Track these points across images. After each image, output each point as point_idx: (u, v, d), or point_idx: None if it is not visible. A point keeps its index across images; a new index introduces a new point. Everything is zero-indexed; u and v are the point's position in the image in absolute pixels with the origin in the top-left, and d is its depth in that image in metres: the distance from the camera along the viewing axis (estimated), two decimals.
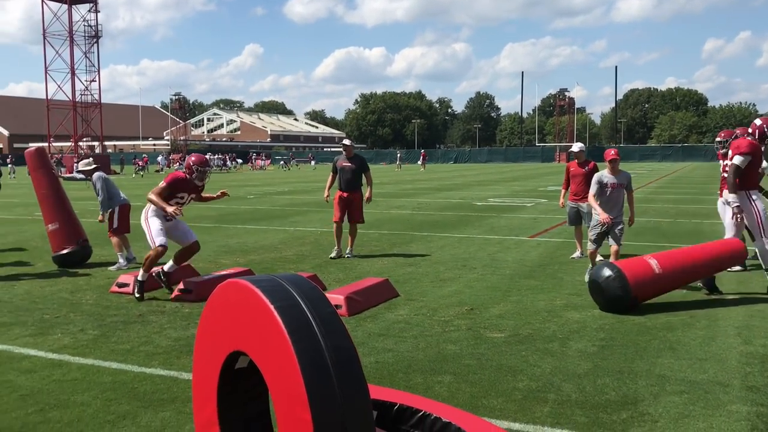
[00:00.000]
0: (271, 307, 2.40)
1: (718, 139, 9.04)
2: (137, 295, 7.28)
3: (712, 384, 4.63)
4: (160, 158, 63.34)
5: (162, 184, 7.43)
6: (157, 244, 7.31)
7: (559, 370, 4.93)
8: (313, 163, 72.50)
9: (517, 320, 6.36)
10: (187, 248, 7.60)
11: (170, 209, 7.17)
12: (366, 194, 10.15)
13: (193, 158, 7.57)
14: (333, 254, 10.02)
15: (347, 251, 10.05)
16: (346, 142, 10.33)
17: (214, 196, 7.91)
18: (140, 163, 54.67)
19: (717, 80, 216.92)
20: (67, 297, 7.58)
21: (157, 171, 56.91)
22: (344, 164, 10.07)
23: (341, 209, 10.01)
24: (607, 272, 6.65)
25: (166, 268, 7.52)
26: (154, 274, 7.47)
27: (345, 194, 10.02)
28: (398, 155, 66.26)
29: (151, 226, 7.46)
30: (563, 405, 4.27)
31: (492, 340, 5.71)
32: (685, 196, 22.94)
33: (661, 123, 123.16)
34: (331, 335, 2.40)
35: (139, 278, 7.35)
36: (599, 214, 7.74)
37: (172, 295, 7.40)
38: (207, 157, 7.72)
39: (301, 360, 2.29)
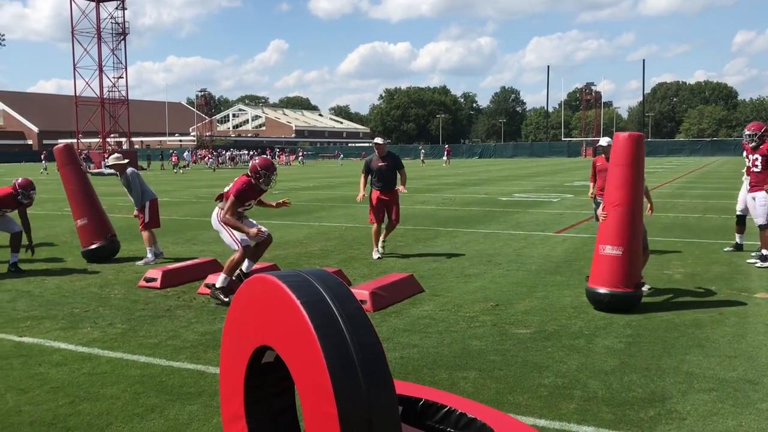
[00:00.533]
0: (298, 302, 2.42)
1: (747, 132, 8.89)
2: (226, 299, 6.77)
3: (742, 382, 4.56)
4: (186, 154, 63.91)
5: (231, 197, 6.93)
6: (242, 245, 6.93)
7: (585, 367, 4.89)
8: (341, 158, 72.45)
9: (542, 316, 6.32)
10: (261, 243, 7.22)
11: (253, 231, 6.87)
12: (400, 188, 9.82)
13: (258, 160, 7.13)
14: (376, 255, 9.64)
15: (380, 245, 9.76)
16: (379, 140, 9.86)
17: (273, 204, 7.64)
18: (174, 159, 54.88)
19: (748, 73, 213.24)
20: (96, 291, 7.70)
21: (185, 167, 57.41)
22: (379, 164, 9.67)
23: (379, 210, 9.68)
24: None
25: (244, 268, 7.18)
26: (234, 277, 7.08)
27: (382, 195, 9.68)
28: (421, 150, 66.18)
29: (232, 229, 7.02)
30: (589, 402, 4.24)
31: (517, 336, 5.68)
32: (714, 191, 22.59)
33: (689, 117, 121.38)
34: (357, 331, 2.41)
35: (219, 284, 6.90)
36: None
37: (198, 290, 7.48)
38: (273, 161, 7.49)
39: (327, 355, 2.30)
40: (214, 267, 8.40)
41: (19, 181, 8.85)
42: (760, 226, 8.62)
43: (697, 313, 6.35)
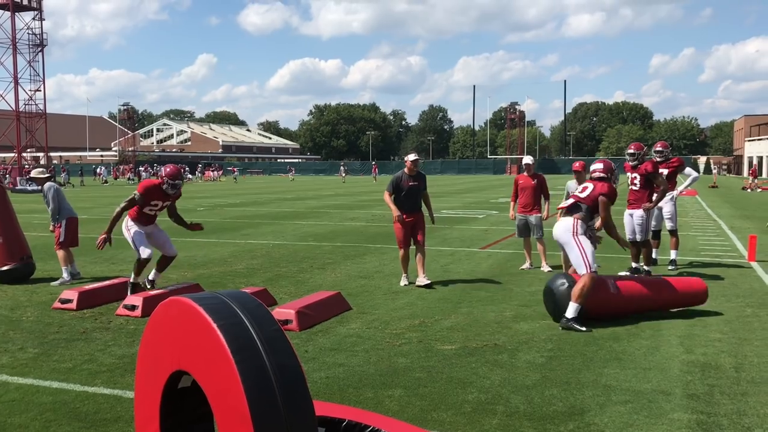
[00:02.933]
0: (214, 325, 2.36)
1: (629, 151, 9.22)
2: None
3: (656, 393, 4.73)
4: (100, 169, 61.43)
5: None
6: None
7: (508, 382, 4.97)
8: (292, 173, 69.74)
9: (467, 332, 6.40)
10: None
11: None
12: (430, 215, 8.92)
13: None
14: (403, 282, 8.84)
15: (422, 277, 8.68)
16: (412, 156, 8.85)
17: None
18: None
19: (663, 94, 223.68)
20: (7, 314, 7.32)
21: (105, 182, 55.66)
22: (410, 184, 8.70)
23: (406, 234, 8.73)
24: (561, 280, 6.79)
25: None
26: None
27: (409, 217, 8.73)
28: (342, 167, 65.63)
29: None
30: (512, 417, 4.31)
31: (442, 353, 5.73)
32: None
33: (608, 136, 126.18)
34: (276, 354, 2.37)
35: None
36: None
37: (116, 311, 7.23)
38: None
39: (244, 379, 2.26)
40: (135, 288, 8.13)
41: (167, 169, 7.91)
42: (637, 242, 9.11)
43: (614, 327, 6.56)
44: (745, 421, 4.23)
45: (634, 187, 9.15)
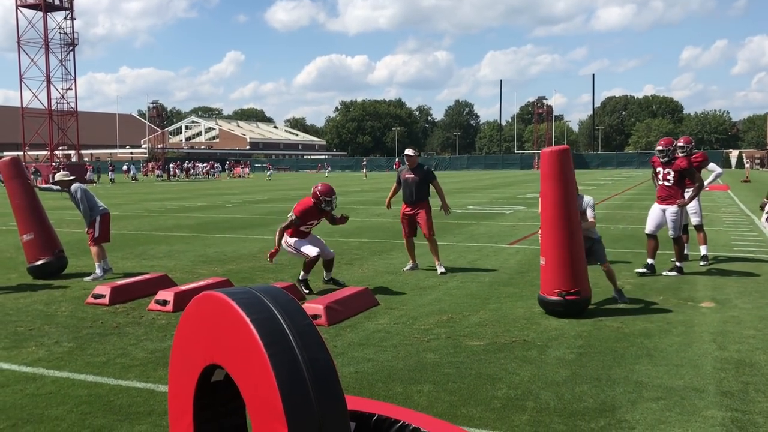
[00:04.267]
0: (247, 319, 2.38)
1: (659, 147, 9.02)
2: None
3: (688, 390, 4.67)
4: (126, 167, 61.86)
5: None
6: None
7: (537, 378, 4.95)
8: (328, 170, 68.93)
9: (496, 328, 6.38)
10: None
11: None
12: (441, 206, 9.51)
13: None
14: (406, 267, 9.69)
15: (437, 266, 9.36)
16: (409, 152, 9.62)
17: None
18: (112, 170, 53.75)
19: (694, 88, 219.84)
20: (42, 309, 7.47)
21: (134, 180, 56.38)
22: (407, 176, 9.45)
23: (406, 224, 9.54)
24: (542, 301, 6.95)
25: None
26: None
27: (407, 208, 9.51)
28: (363, 163, 65.40)
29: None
30: (542, 413, 4.29)
31: (471, 349, 5.71)
32: None
33: (638, 130, 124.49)
34: (308, 348, 2.38)
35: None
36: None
37: (148, 307, 7.33)
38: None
39: (277, 373, 2.27)
40: (164, 282, 8.25)
41: (318, 188, 8.29)
42: (674, 239, 8.91)
43: (645, 323, 6.49)
44: None
45: (666, 183, 8.96)
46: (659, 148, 9.05)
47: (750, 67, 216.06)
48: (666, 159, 8.93)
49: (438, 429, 3.06)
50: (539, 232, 7.07)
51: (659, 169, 9.09)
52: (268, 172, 65.08)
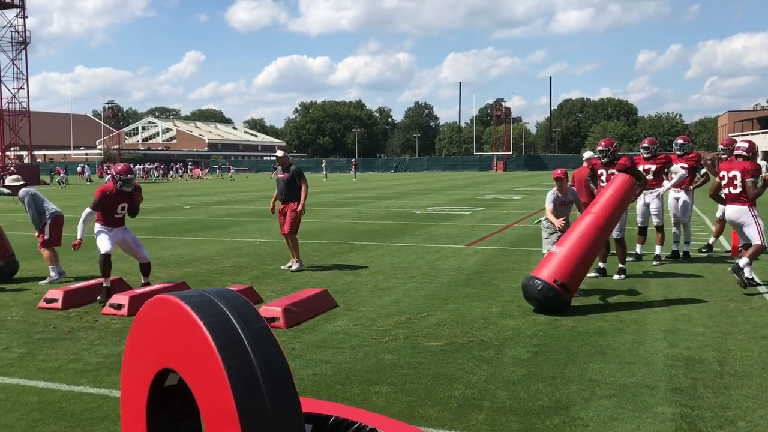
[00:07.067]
0: (201, 323, 2.37)
1: (599, 148, 9.08)
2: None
3: (640, 387, 4.78)
4: (80, 167, 60.35)
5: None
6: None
7: (494, 377, 5.01)
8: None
9: (453, 328, 6.43)
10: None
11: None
12: (298, 207, 9.73)
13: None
14: (284, 266, 9.98)
15: (292, 261, 9.87)
16: (279, 153, 10.14)
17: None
18: (61, 172, 51.54)
19: (649, 91, 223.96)
20: None
21: (89, 182, 55.21)
22: (279, 176, 9.97)
23: (280, 222, 9.95)
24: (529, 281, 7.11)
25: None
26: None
27: (281, 207, 9.94)
28: (324, 165, 65.26)
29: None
30: (498, 412, 4.34)
31: (429, 349, 5.75)
32: None
33: (593, 132, 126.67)
34: (263, 351, 2.38)
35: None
36: (555, 222, 7.98)
37: (102, 311, 7.20)
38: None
39: (231, 377, 2.26)
40: (119, 286, 8.10)
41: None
42: (617, 240, 9.02)
43: (599, 322, 6.61)
44: (728, 413, 4.29)
45: (602, 184, 8.99)
46: (599, 148, 9.06)
47: (702, 71, 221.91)
48: (607, 159, 8.96)
49: (395, 430, 3.08)
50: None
51: (601, 171, 9.07)
52: (230, 172, 64.55)
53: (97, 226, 7.95)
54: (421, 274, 9.41)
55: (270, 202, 10.67)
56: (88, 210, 7.89)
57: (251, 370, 2.30)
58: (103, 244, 7.79)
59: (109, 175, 7.87)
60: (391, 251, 11.73)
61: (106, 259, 7.73)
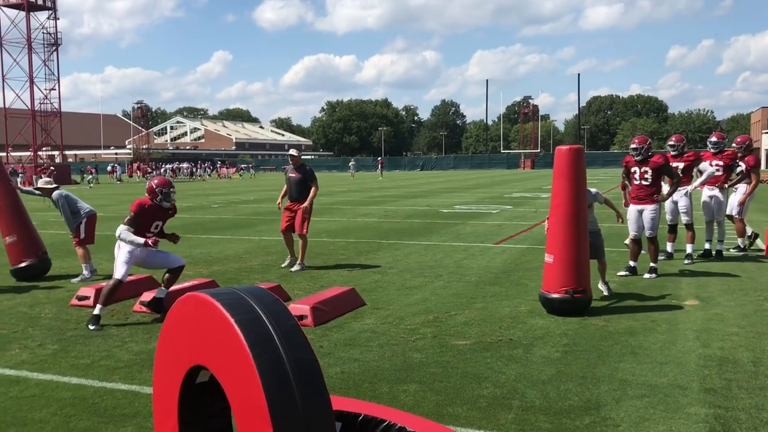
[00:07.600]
0: (232, 320, 2.38)
1: (633, 145, 8.82)
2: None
3: (672, 387, 4.71)
4: (110, 167, 61.11)
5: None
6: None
7: (523, 377, 4.97)
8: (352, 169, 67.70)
9: (482, 327, 6.40)
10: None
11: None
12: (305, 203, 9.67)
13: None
14: (284, 263, 10.02)
15: (297, 263, 9.73)
16: (293, 152, 10.08)
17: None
18: (93, 172, 52.80)
19: (680, 87, 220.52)
20: (26, 311, 7.41)
21: (119, 181, 56.01)
22: (290, 174, 9.91)
23: (285, 219, 9.82)
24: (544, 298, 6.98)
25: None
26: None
27: (290, 205, 9.88)
28: (351, 164, 65.49)
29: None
30: (527, 411, 4.31)
31: (457, 348, 5.73)
32: None
33: (623, 129, 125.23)
34: (293, 348, 2.38)
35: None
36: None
37: (134, 308, 7.29)
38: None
39: (262, 374, 2.27)
40: (149, 284, 8.21)
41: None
42: (650, 239, 8.80)
43: (630, 321, 6.53)
44: (764, 415, 4.21)
45: (644, 182, 8.76)
46: (633, 146, 8.86)
47: (735, 67, 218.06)
48: (641, 157, 8.75)
49: (424, 428, 3.07)
50: (546, 227, 7.17)
51: (634, 169, 8.83)
52: (251, 172, 65.32)
53: (123, 244, 6.97)
54: (449, 272, 9.38)
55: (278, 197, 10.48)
56: (124, 229, 6.83)
57: (282, 367, 2.31)
58: (120, 268, 6.85)
59: (146, 190, 7.08)
60: (418, 250, 11.71)
61: (116, 286, 6.81)
